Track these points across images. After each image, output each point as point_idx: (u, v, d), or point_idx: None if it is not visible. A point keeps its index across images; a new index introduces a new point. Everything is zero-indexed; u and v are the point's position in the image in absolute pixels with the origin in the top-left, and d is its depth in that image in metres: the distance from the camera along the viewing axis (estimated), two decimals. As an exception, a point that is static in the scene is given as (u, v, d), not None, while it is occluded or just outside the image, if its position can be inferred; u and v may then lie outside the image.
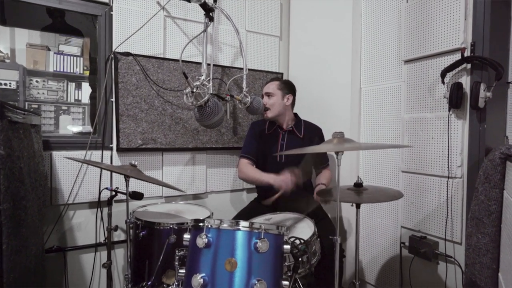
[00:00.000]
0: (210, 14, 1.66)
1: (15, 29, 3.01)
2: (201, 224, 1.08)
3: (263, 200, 1.90)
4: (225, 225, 1.06)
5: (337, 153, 1.15)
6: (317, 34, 2.44)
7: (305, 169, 1.78)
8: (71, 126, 2.95)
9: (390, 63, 1.98)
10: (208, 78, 1.37)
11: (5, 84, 2.58)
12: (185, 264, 1.17)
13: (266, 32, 2.64)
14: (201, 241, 1.04)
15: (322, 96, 2.38)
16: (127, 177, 1.49)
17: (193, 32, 2.31)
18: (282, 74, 2.69)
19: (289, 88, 2.11)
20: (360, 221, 2.17)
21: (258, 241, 1.04)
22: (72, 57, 3.19)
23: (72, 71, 3.17)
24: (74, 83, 3.27)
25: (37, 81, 3.06)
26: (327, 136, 2.17)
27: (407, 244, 1.86)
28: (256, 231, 1.06)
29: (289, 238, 1.26)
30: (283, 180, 1.73)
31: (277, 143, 2.05)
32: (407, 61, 1.87)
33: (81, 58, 3.16)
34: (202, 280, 1.00)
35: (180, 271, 1.16)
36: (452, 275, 1.64)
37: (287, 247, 1.15)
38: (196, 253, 1.07)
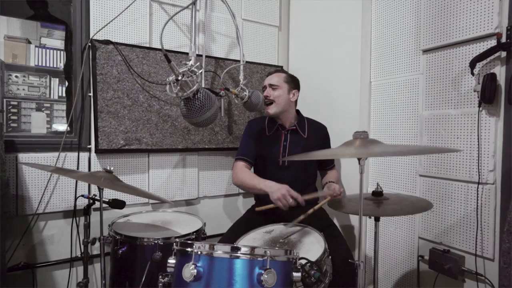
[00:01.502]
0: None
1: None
2: (188, 249, 0.84)
3: (257, 207, 1.65)
4: (219, 252, 0.82)
5: (359, 158, 0.92)
6: (320, 23, 2.20)
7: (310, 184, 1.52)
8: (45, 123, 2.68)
9: (406, 53, 1.76)
10: (198, 64, 1.11)
11: (-19, 79, 2.32)
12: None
13: (264, 21, 2.39)
14: (188, 272, 0.80)
15: (327, 91, 2.15)
16: (100, 188, 1.23)
17: (183, 20, 2.06)
18: (281, 67, 2.45)
19: (296, 83, 1.87)
20: (368, 230, 1.96)
21: (263, 272, 0.80)
22: (55, 51, 2.92)
23: (55, 65, 2.91)
24: (57, 79, 3.01)
25: (16, 76, 2.79)
26: (335, 136, 1.93)
27: (426, 257, 1.64)
28: (260, 259, 0.82)
29: (299, 260, 1.02)
30: (281, 194, 1.45)
31: (279, 145, 1.80)
32: (426, 51, 1.65)
33: (65, 52, 2.90)
34: (189, 326, 0.76)
35: (163, 305, 0.91)
36: (482, 296, 1.42)
37: (297, 275, 0.92)
38: (182, 287, 0.82)
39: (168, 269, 0.95)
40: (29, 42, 2.86)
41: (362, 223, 1.95)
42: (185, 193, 2.14)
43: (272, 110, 1.75)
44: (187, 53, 2.02)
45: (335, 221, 1.99)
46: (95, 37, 1.81)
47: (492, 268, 1.39)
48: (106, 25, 1.82)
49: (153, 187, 2.02)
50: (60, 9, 2.10)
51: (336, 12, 2.07)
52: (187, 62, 1.07)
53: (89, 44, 1.80)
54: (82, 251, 1.73)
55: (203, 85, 1.08)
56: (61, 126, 2.81)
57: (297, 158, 1.25)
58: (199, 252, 0.82)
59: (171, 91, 1.08)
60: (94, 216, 1.80)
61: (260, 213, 1.65)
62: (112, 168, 1.29)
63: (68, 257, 1.82)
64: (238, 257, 0.81)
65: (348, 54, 2.00)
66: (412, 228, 1.73)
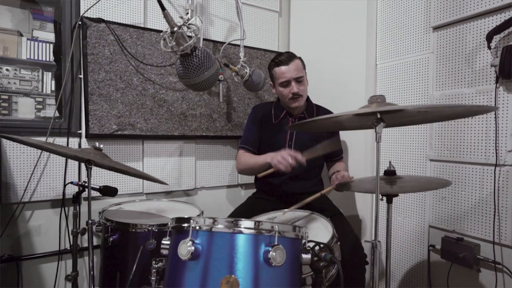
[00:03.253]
0: None
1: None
2: (185, 224, 0.74)
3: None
4: (220, 226, 0.72)
5: (377, 123, 0.82)
6: (322, 6, 2.11)
7: (314, 152, 1.39)
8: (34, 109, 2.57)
9: (414, 32, 1.67)
10: (196, 17, 1.01)
11: (-31, 73, 2.20)
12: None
13: (264, 6, 2.30)
14: (185, 249, 0.69)
15: (330, 77, 2.05)
16: (88, 164, 1.12)
17: (180, 1, 1.95)
18: (282, 53, 2.35)
19: (305, 65, 1.74)
20: (381, 221, 1.86)
21: (270, 249, 0.69)
22: (48, 44, 2.82)
23: (48, 59, 2.80)
24: (50, 73, 2.90)
25: (7, 70, 2.67)
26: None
27: (438, 247, 1.54)
28: (267, 234, 0.71)
29: (307, 243, 0.92)
30: (281, 156, 1.34)
31: (286, 133, 1.70)
32: (437, 28, 1.56)
33: (54, 32, 2.80)
34: (186, 310, 0.65)
35: (158, 290, 0.81)
36: (500, 285, 1.33)
37: (306, 256, 0.82)
38: (178, 267, 0.72)
39: (162, 251, 0.84)
40: (21, 35, 2.75)
41: (367, 205, 1.86)
42: (182, 183, 2.04)
43: (301, 102, 1.62)
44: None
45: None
46: (85, 15, 1.70)
47: (511, 255, 1.29)
48: (98, 1, 1.71)
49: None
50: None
51: (339, -7, 1.98)
52: (183, 16, 0.96)
53: (79, 22, 1.70)
54: (71, 242, 1.62)
55: (201, 35, 0.97)
56: (49, 112, 2.70)
57: (301, 127, 1.14)
58: (197, 227, 0.72)
59: (165, 46, 0.97)
60: (84, 206, 1.67)
61: (261, 199, 1.55)
62: (102, 146, 1.18)
63: (56, 250, 1.71)
64: (241, 232, 0.70)
65: (352, 36, 1.91)
66: (422, 216, 1.63)
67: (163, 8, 0.93)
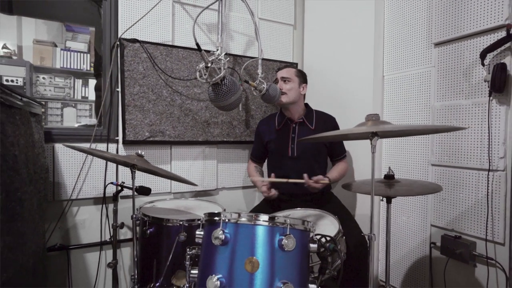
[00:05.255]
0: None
1: (22, 25, 2.94)
2: (216, 218, 0.94)
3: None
4: (244, 219, 0.92)
5: (372, 137, 1.00)
6: (334, 20, 2.28)
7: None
8: (83, 118, 2.87)
9: (418, 47, 1.82)
10: (224, 53, 1.22)
11: (12, 81, 2.50)
12: (197, 264, 1.03)
13: (280, 20, 2.50)
14: (217, 237, 0.90)
15: (341, 86, 2.22)
16: (133, 168, 1.35)
17: (203, 19, 2.18)
18: (296, 64, 2.54)
19: (304, 77, 1.98)
20: (383, 219, 2.02)
21: (283, 237, 0.89)
22: (79, 54, 3.10)
23: (79, 67, 3.09)
24: (81, 80, 3.19)
25: (44, 78, 2.98)
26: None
27: (438, 244, 1.69)
28: (281, 226, 0.91)
29: (315, 236, 1.11)
30: (262, 192, 1.78)
31: (288, 137, 1.90)
32: (438, 44, 1.71)
33: (88, 55, 3.08)
34: (219, 282, 0.86)
35: (192, 271, 1.02)
36: (493, 280, 1.47)
37: (313, 246, 1.01)
38: (211, 251, 0.92)
39: (197, 240, 1.05)
40: (55, 46, 3.05)
41: (375, 206, 2.01)
42: (205, 184, 2.26)
43: (284, 99, 1.86)
44: (206, 51, 2.14)
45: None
46: (123, 36, 1.94)
47: (503, 252, 1.43)
48: (133, 25, 1.95)
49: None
50: (90, 11, 2.25)
51: (349, 10, 2.15)
52: (215, 52, 1.18)
53: (118, 42, 1.94)
54: (111, 234, 1.87)
55: (226, 67, 1.20)
56: (88, 120, 2.99)
57: (306, 140, 1.34)
58: (226, 220, 0.92)
59: (201, 77, 1.20)
60: (122, 203, 1.93)
61: (278, 199, 1.77)
62: (143, 153, 1.41)
63: (98, 241, 1.96)
64: (260, 224, 0.90)
65: (361, 49, 2.07)
66: (425, 216, 1.78)
67: (199, 49, 1.15)
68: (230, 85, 1.21)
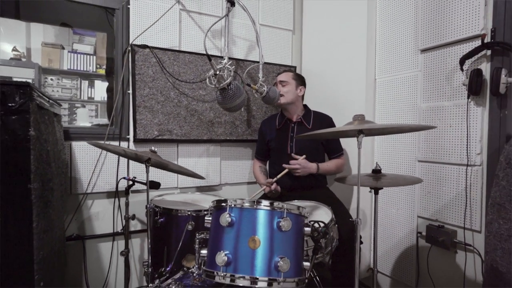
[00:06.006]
0: (232, -1, 1.69)
1: (30, 28, 3.08)
2: (223, 204, 1.10)
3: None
4: (247, 205, 1.08)
5: (358, 134, 1.16)
6: (330, 26, 2.44)
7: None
8: (90, 118, 3.02)
9: (406, 53, 1.98)
10: (230, 62, 1.39)
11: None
12: (205, 247, 1.18)
13: (279, 26, 2.65)
14: (224, 219, 1.06)
15: (336, 88, 2.38)
16: (148, 162, 1.51)
17: (208, 26, 2.33)
18: (295, 67, 2.70)
19: (302, 80, 2.15)
20: (358, 204, 2.17)
21: (281, 220, 1.05)
22: (85, 56, 3.25)
23: (85, 69, 3.23)
24: (87, 81, 3.34)
25: (51, 79, 3.13)
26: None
27: (424, 233, 1.85)
28: (279, 210, 1.07)
29: (309, 222, 1.27)
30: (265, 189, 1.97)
31: (287, 136, 2.07)
32: (424, 50, 1.86)
33: (94, 57, 3.22)
34: (226, 257, 1.02)
35: (202, 251, 1.17)
36: (471, 264, 1.62)
37: (307, 229, 1.16)
38: (219, 231, 1.08)
39: (206, 225, 1.21)
40: (63, 48, 3.20)
41: (368, 200, 2.17)
42: (209, 180, 2.42)
43: (282, 101, 2.04)
44: (211, 55, 2.30)
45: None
46: (134, 42, 2.10)
47: (479, 239, 1.59)
48: (144, 32, 2.11)
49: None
50: (102, 18, 2.40)
51: (344, 17, 2.30)
52: (222, 61, 1.35)
53: (129, 48, 2.10)
54: (123, 225, 2.03)
55: (232, 74, 1.37)
56: (99, 120, 3.14)
57: (301, 137, 1.51)
58: (232, 205, 1.08)
59: (210, 83, 1.37)
60: (132, 197, 2.08)
61: (275, 195, 1.94)
62: (156, 149, 1.57)
63: (111, 232, 2.12)
64: (261, 209, 1.06)
65: (355, 54, 2.23)
66: (412, 208, 1.94)
67: (210, 59, 1.31)
68: (235, 89, 1.39)
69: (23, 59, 2.94)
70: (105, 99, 3.22)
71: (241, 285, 0.99)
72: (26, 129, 1.07)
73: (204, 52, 1.33)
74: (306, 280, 1.15)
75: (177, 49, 2.25)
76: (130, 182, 1.94)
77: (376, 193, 1.45)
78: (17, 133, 1.06)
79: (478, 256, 1.59)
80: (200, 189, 2.40)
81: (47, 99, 1.42)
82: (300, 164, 1.88)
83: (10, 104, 1.05)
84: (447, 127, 1.73)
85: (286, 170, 1.87)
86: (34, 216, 1.10)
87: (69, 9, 2.33)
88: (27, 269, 1.08)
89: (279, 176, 1.88)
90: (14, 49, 2.88)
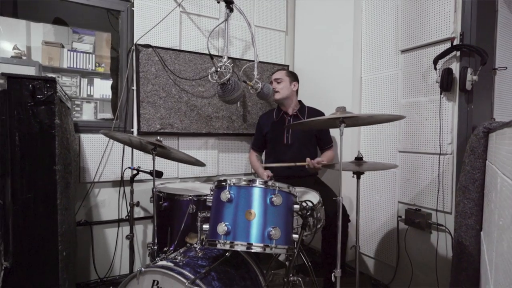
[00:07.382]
0: (230, 5, 1.87)
1: (31, 27, 3.20)
2: (223, 183, 1.28)
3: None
4: (244, 183, 1.25)
5: (340, 123, 1.34)
6: (320, 28, 2.62)
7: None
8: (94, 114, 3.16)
9: (388, 53, 2.17)
10: (229, 60, 1.56)
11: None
12: (207, 223, 1.35)
13: (273, 27, 2.83)
14: (224, 196, 1.23)
15: (326, 86, 2.57)
16: (154, 150, 1.68)
17: (207, 27, 2.51)
18: (288, 66, 2.88)
19: (295, 76, 2.33)
20: (360, 198, 2.36)
21: (273, 196, 1.23)
22: (84, 54, 3.38)
23: (84, 67, 3.36)
24: (86, 79, 3.47)
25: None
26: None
27: (403, 217, 2.04)
28: (271, 188, 1.25)
29: (299, 201, 1.44)
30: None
31: (283, 128, 2.25)
32: (403, 51, 2.06)
33: (93, 55, 3.35)
34: (226, 227, 1.19)
35: (204, 226, 1.35)
36: (443, 242, 1.82)
37: (296, 206, 1.34)
38: (220, 206, 1.26)
39: (207, 203, 1.38)
40: (63, 46, 3.33)
41: (353, 188, 2.35)
42: (208, 171, 2.59)
43: (277, 96, 2.23)
44: (208, 54, 2.47)
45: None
46: (138, 42, 2.26)
47: (450, 219, 1.79)
48: (147, 32, 2.27)
49: (182, 165, 2.47)
50: (106, 18, 2.54)
51: (332, 20, 2.49)
52: (222, 60, 1.52)
53: (133, 48, 2.26)
54: (128, 212, 2.19)
55: (231, 71, 1.54)
56: (104, 115, 3.28)
57: (295, 126, 1.67)
58: (231, 184, 1.26)
59: (212, 79, 1.55)
60: (136, 186, 2.24)
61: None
62: (161, 139, 1.74)
63: (116, 218, 2.28)
64: (257, 186, 1.24)
65: (343, 54, 2.41)
66: (393, 194, 2.13)
67: (212, 58, 1.49)
68: (234, 84, 1.58)
69: (24, 57, 3.04)
70: (104, 96, 3.36)
71: (239, 250, 1.17)
72: (52, 118, 1.24)
73: (204, 52, 1.51)
74: (295, 251, 1.33)
75: (178, 48, 2.41)
76: (135, 172, 2.11)
77: (358, 177, 1.64)
78: (44, 121, 1.22)
79: (449, 234, 1.79)
80: (199, 179, 2.56)
81: (64, 93, 1.57)
82: (319, 162, 2.01)
83: (38, 96, 1.21)
84: (423, 120, 1.92)
85: (293, 164, 1.99)
86: (58, 194, 1.26)
87: (69, 9, 2.46)
88: (53, 239, 1.24)
89: (284, 164, 2.03)
90: (15, 48, 2.97)
